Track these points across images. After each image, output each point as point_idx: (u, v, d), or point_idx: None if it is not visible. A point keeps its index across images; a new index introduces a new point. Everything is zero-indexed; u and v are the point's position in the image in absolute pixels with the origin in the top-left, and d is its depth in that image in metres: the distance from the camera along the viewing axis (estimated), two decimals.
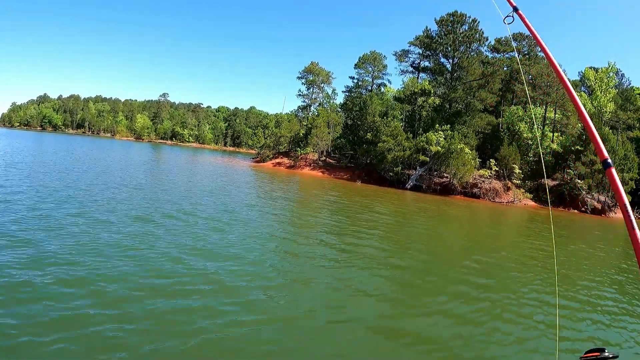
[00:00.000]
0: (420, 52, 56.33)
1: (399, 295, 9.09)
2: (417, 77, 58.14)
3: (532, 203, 42.18)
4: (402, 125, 52.30)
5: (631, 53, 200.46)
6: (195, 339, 5.82)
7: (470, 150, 43.33)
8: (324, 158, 59.68)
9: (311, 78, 72.48)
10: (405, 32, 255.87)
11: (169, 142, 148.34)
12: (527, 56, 54.24)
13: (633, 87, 58.03)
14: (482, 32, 48.69)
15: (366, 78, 67.40)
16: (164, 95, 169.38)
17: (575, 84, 51.16)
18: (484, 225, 25.71)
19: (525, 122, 49.87)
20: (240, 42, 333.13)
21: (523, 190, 43.21)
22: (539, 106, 51.03)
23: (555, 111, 49.41)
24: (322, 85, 73.53)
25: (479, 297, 9.46)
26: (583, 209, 40.25)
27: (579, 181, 40.72)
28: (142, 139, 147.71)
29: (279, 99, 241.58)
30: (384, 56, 66.44)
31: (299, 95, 74.14)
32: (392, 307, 8.29)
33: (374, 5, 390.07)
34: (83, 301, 6.53)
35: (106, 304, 6.53)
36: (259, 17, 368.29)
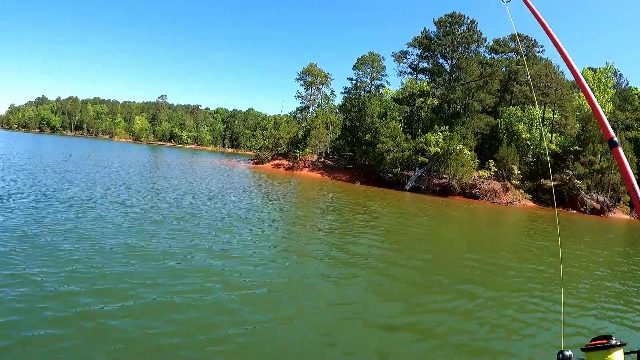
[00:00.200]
0: (419, 53, 56.41)
1: (405, 293, 9.11)
2: (416, 78, 58.21)
3: (531, 203, 42.23)
4: (400, 127, 52.37)
5: (629, 53, 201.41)
6: (202, 336, 5.83)
7: (469, 151, 43.38)
8: (322, 159, 59.67)
9: (310, 79, 72.47)
10: (404, 33, 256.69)
11: (167, 143, 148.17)
12: (526, 57, 54.39)
13: (631, 87, 58.24)
14: (481, 33, 48.86)
15: (365, 79, 67.52)
16: (162, 97, 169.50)
17: (573, 85, 51.20)
18: (485, 226, 25.71)
19: (523, 122, 49.96)
20: (239, 43, 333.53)
21: (522, 191, 43.27)
22: (538, 107, 51.11)
23: (553, 112, 49.52)
24: (321, 86, 73.58)
25: (484, 295, 9.47)
26: (582, 209, 40.31)
27: (578, 181, 40.81)
28: (141, 141, 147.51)
29: (278, 100, 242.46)
30: (383, 57, 66.58)
31: (298, 96, 74.18)
32: (399, 304, 8.32)
33: (373, 6, 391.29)
34: (92, 299, 6.56)
35: (114, 301, 6.55)
36: (258, 19, 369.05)
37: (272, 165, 59.26)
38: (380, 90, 67.64)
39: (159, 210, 15.17)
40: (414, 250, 14.09)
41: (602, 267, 14.56)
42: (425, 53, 54.54)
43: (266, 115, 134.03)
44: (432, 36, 51.58)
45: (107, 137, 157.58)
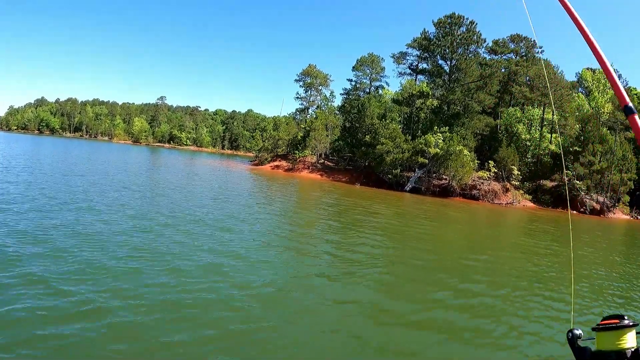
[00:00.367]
0: (418, 54, 56.45)
1: (410, 291, 9.15)
2: (415, 79, 58.23)
3: (530, 204, 42.25)
4: (400, 128, 52.37)
5: (629, 54, 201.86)
6: (210, 331, 5.89)
7: (469, 152, 43.40)
8: (322, 161, 59.67)
9: (309, 80, 72.51)
10: (404, 34, 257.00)
11: (166, 145, 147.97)
12: (525, 57, 54.46)
13: (630, 87, 58.28)
14: (480, 34, 48.91)
15: (364, 80, 67.54)
16: (161, 98, 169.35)
17: (572, 85, 51.30)
18: (486, 227, 25.75)
19: (523, 123, 49.99)
20: (238, 44, 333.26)
21: (522, 192, 43.29)
22: (537, 107, 51.18)
23: (553, 112, 49.56)
24: (320, 87, 73.62)
25: (489, 293, 9.51)
26: (582, 209, 40.32)
27: (578, 182, 40.81)
28: (140, 143, 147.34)
29: (277, 101, 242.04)
30: (382, 58, 66.60)
31: (297, 97, 74.21)
32: (404, 302, 8.37)
33: (373, 6, 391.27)
34: (101, 295, 6.62)
35: (123, 299, 6.60)
36: (256, 20, 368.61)
37: (271, 166, 59.24)
38: (380, 91, 67.70)
39: (161, 212, 15.22)
40: (416, 250, 14.13)
41: (609, 267, 14.55)
42: (425, 54, 54.58)
43: (265, 117, 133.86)
44: (432, 37, 51.62)
45: (106, 138, 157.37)
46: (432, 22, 51.03)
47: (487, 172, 43.47)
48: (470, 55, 49.86)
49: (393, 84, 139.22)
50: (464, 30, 49.00)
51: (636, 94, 53.21)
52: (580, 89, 57.20)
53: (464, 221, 26.47)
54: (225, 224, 14.19)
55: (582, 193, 40.89)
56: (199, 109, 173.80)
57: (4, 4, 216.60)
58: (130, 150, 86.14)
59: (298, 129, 64.42)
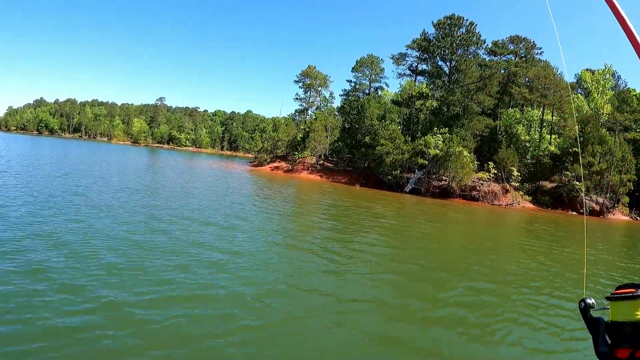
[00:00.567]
0: (418, 55, 56.54)
1: (415, 290, 9.17)
2: (415, 80, 58.34)
3: (530, 205, 42.26)
4: (400, 129, 52.41)
5: (628, 55, 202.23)
6: (221, 325, 5.92)
7: (469, 153, 43.42)
8: (321, 162, 59.66)
9: (308, 82, 72.54)
10: (404, 34, 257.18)
11: (165, 146, 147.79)
12: (524, 59, 54.53)
13: (629, 88, 58.41)
14: (480, 35, 49.00)
15: (363, 81, 67.66)
16: (160, 99, 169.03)
17: (572, 86, 51.33)
18: (486, 227, 25.77)
19: (522, 124, 50.03)
20: (238, 44, 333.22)
21: (521, 193, 43.30)
22: (536, 108, 51.21)
23: (552, 113, 49.63)
24: (320, 88, 73.64)
25: (496, 291, 9.54)
26: (581, 210, 40.32)
27: (577, 183, 40.82)
28: (139, 143, 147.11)
29: (276, 102, 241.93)
30: (382, 59, 66.76)
31: (297, 98, 74.26)
32: (410, 299, 8.40)
33: (373, 6, 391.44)
34: (111, 291, 6.62)
35: (135, 294, 6.62)
36: (256, 20, 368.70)
37: (271, 167, 59.21)
38: (379, 92, 67.77)
39: (164, 213, 15.34)
40: (417, 249, 14.16)
41: (614, 268, 14.53)
42: (424, 55, 54.65)
43: (265, 118, 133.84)
44: (431, 38, 51.71)
45: (105, 139, 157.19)
46: (432, 23, 51.18)
47: (487, 173, 43.49)
48: (469, 56, 49.95)
49: (392, 85, 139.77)
50: (464, 31, 49.10)
51: (635, 96, 53.29)
52: (579, 90, 57.27)
53: (465, 222, 26.48)
54: (226, 224, 14.25)
55: (582, 194, 40.91)
56: (198, 109, 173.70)
57: (4, 4, 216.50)
58: (129, 151, 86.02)
59: (297, 130, 64.41)
